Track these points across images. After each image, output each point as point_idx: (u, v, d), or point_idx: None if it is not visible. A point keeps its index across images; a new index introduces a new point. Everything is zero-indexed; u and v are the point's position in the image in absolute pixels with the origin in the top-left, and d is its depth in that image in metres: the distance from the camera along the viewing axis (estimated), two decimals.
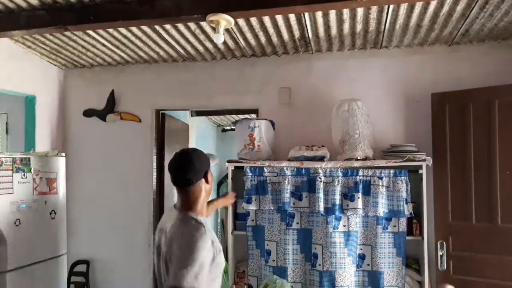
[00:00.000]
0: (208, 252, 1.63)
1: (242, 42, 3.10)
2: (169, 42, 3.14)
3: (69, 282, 3.60)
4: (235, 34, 2.93)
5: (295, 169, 2.87)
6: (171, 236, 1.69)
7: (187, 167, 1.75)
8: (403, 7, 2.50)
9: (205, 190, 1.82)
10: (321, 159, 2.86)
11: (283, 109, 3.33)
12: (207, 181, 1.81)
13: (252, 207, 2.91)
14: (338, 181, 2.79)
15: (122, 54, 3.44)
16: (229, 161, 3.01)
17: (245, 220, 2.97)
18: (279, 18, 2.68)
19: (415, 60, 3.12)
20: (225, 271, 3.48)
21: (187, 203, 1.78)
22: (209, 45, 3.17)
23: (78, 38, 3.13)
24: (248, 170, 2.94)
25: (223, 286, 1.92)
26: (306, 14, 2.61)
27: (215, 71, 3.52)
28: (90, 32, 2.95)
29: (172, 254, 1.64)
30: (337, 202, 2.76)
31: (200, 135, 5.50)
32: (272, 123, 3.18)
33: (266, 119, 3.13)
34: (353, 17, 2.65)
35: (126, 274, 3.68)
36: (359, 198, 2.74)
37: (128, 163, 3.70)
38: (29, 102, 3.58)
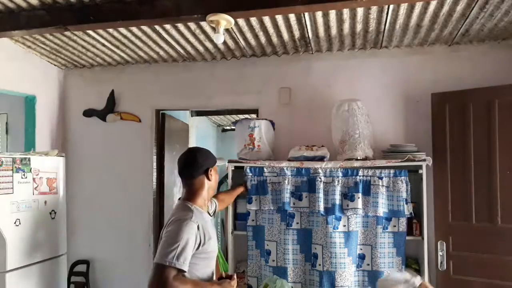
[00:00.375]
0: (192, 236, 1.76)
1: (242, 42, 3.10)
2: (169, 42, 3.14)
3: (69, 282, 3.60)
4: (235, 34, 2.93)
5: (295, 169, 2.87)
6: (168, 220, 1.89)
7: (190, 163, 1.97)
8: (403, 7, 2.50)
9: (207, 185, 2.00)
10: (321, 159, 2.86)
11: (283, 109, 3.33)
12: (208, 178, 1.99)
13: (252, 207, 2.91)
14: (338, 181, 2.78)
15: (122, 54, 3.44)
16: (229, 161, 3.00)
17: (245, 220, 2.97)
18: (279, 18, 2.68)
19: (415, 60, 3.12)
20: (225, 271, 3.48)
21: (188, 194, 1.97)
22: (209, 45, 3.17)
23: (78, 38, 3.13)
24: (248, 170, 2.93)
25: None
26: (306, 14, 2.61)
27: (215, 71, 3.52)
28: (90, 32, 2.95)
29: (163, 235, 1.83)
30: (337, 202, 2.76)
31: (200, 135, 5.49)
32: (272, 123, 3.18)
33: (266, 119, 3.12)
34: (353, 17, 2.65)
35: (126, 274, 3.68)
36: (359, 198, 2.74)
37: (128, 163, 3.70)
38: (29, 102, 3.58)
